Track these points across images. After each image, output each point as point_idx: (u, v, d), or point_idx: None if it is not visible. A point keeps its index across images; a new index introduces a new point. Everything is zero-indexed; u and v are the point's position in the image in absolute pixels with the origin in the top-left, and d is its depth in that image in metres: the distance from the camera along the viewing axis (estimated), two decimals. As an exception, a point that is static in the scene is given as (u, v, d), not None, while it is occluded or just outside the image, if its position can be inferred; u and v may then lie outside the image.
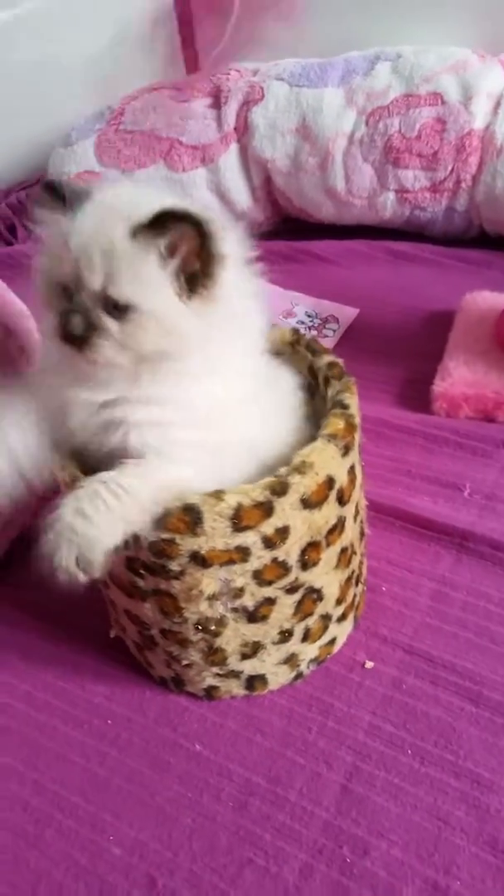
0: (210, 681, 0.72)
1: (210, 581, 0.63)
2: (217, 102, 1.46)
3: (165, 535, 0.60)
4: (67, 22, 1.64)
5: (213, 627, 0.67)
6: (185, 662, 0.71)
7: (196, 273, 0.58)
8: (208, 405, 0.61)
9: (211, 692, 0.74)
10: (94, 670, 0.79)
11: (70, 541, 0.58)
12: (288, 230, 1.57)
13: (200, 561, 0.61)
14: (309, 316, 1.31)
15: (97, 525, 0.58)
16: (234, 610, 0.66)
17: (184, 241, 0.57)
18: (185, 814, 0.67)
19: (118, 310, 0.58)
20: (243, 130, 1.43)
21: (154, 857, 0.65)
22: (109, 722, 0.75)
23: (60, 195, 0.60)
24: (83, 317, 0.58)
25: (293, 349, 0.78)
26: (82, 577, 0.59)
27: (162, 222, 0.56)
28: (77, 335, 0.58)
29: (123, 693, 0.77)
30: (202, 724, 0.73)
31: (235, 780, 0.69)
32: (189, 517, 0.59)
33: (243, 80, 1.47)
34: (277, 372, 0.73)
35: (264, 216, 1.52)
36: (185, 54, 1.70)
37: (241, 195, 1.47)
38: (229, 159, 1.44)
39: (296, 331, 0.79)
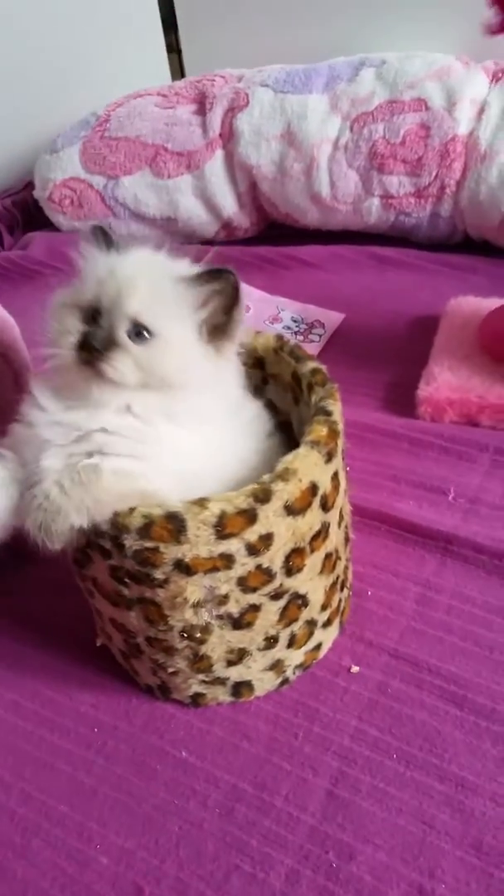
0: (196, 688, 0.73)
1: (194, 589, 0.63)
2: (202, 109, 1.46)
3: (149, 544, 0.60)
4: (51, 28, 1.65)
5: (198, 635, 0.67)
6: (170, 670, 0.71)
7: (219, 325, 0.66)
8: (184, 454, 0.65)
9: (197, 699, 0.74)
10: (80, 679, 0.79)
11: (40, 506, 0.61)
12: (273, 236, 1.58)
13: (184, 569, 0.61)
14: (295, 321, 1.31)
15: (70, 499, 0.60)
16: (219, 617, 0.66)
17: (217, 297, 0.65)
18: (172, 821, 0.67)
19: (140, 336, 0.63)
20: (228, 137, 1.44)
21: (141, 865, 0.65)
22: (96, 730, 0.75)
23: (108, 238, 0.69)
24: (106, 334, 0.63)
25: (277, 355, 0.79)
26: (43, 544, 0.62)
27: (207, 276, 0.65)
28: (96, 347, 0.62)
29: (110, 701, 0.77)
30: (188, 731, 0.74)
31: (222, 787, 0.69)
32: (173, 525, 0.59)
33: (228, 87, 1.48)
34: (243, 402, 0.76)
35: (250, 222, 1.53)
36: (171, 60, 1.70)
37: (227, 201, 1.47)
38: (215, 165, 1.44)
39: (280, 337, 0.79)
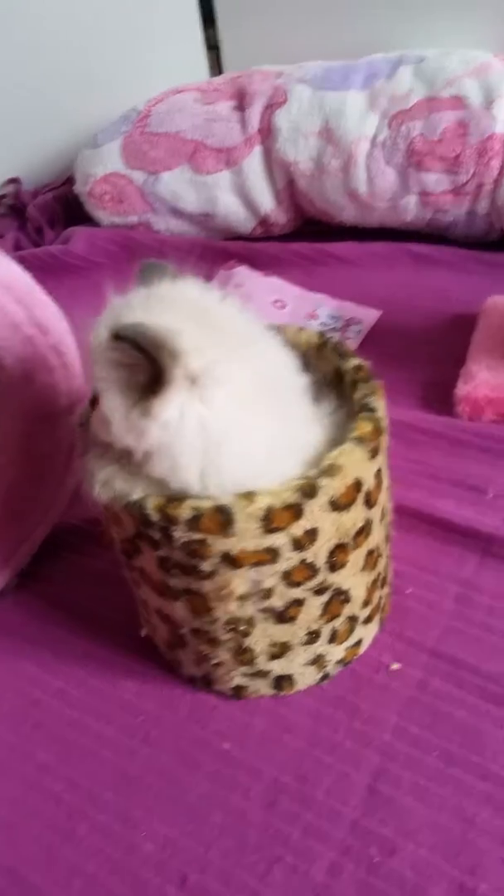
0: (238, 680, 0.73)
1: (240, 581, 0.63)
2: (241, 105, 1.47)
3: (197, 536, 0.60)
4: (91, 23, 1.66)
5: (242, 627, 0.68)
6: (214, 661, 0.72)
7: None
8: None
9: (239, 691, 0.75)
10: (124, 668, 0.81)
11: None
12: (309, 232, 1.58)
13: (231, 561, 0.62)
14: (332, 318, 1.32)
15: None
16: (264, 610, 0.67)
17: (128, 359, 0.59)
18: (215, 811, 0.68)
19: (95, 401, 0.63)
20: (267, 133, 1.44)
21: (185, 853, 0.66)
22: (140, 719, 0.76)
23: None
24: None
25: (319, 352, 0.79)
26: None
27: (118, 338, 0.58)
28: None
29: (153, 690, 0.78)
30: (231, 722, 0.74)
31: (264, 779, 0.70)
32: (221, 518, 0.60)
33: (267, 83, 1.48)
34: None
35: (286, 218, 1.53)
36: (209, 56, 1.71)
37: (265, 197, 1.48)
38: (253, 162, 1.45)
39: (322, 334, 0.80)
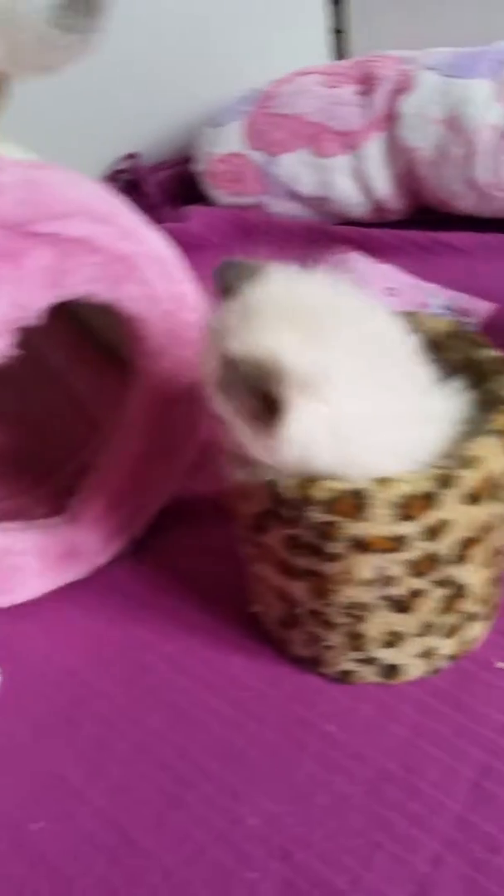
0: (348, 665, 0.74)
1: (365, 567, 0.63)
2: (366, 89, 1.45)
3: (331, 517, 0.61)
4: (213, 2, 1.66)
5: (360, 613, 0.68)
6: (326, 644, 0.72)
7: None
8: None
9: (346, 676, 0.75)
10: (231, 642, 0.82)
11: None
12: (423, 221, 1.55)
13: (361, 546, 0.62)
14: (445, 309, 1.29)
15: None
16: (384, 598, 0.67)
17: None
18: (320, 792, 0.69)
19: None
20: (390, 119, 1.42)
21: (289, 830, 0.67)
22: (247, 694, 0.77)
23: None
24: None
25: (450, 340, 0.78)
26: None
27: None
28: None
29: (260, 667, 0.79)
30: (336, 706, 0.75)
31: (369, 765, 0.70)
32: (357, 501, 0.60)
33: (393, 69, 1.46)
34: None
35: (401, 205, 1.51)
36: (334, 38, 1.70)
37: (382, 183, 1.46)
38: (374, 147, 1.43)
39: (456, 321, 0.78)
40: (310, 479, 0.61)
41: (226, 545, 0.92)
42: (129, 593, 0.90)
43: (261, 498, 0.65)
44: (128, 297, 0.77)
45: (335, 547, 0.63)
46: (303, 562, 0.66)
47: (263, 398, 0.58)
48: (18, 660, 0.84)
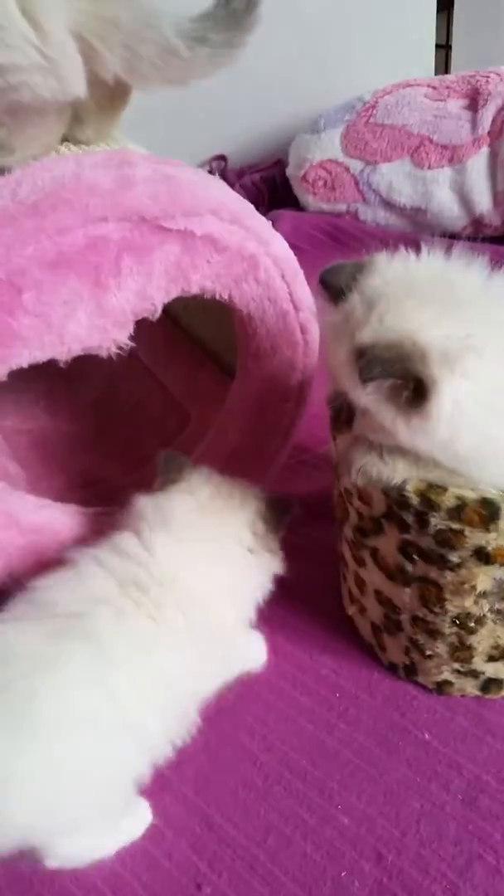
0: (447, 675, 0.73)
1: (485, 578, 0.63)
2: (473, 105, 1.45)
3: (456, 526, 0.60)
4: (321, 9, 1.67)
5: (471, 624, 0.67)
6: (427, 653, 0.72)
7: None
8: None
9: (443, 686, 0.75)
10: (322, 643, 0.82)
11: None
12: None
13: (483, 557, 0.61)
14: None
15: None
16: (497, 611, 0.66)
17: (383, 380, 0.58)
18: (413, 797, 0.69)
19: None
20: (497, 135, 1.41)
21: (381, 832, 0.67)
22: (338, 695, 0.77)
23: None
24: None
25: None
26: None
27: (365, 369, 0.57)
28: None
29: (351, 670, 0.79)
30: (431, 714, 0.74)
31: (465, 775, 0.70)
32: (486, 511, 0.59)
33: (502, 85, 1.45)
34: None
35: (501, 220, 1.50)
36: (439, 52, 1.69)
37: (483, 197, 1.45)
38: (478, 162, 1.42)
39: None
40: (436, 485, 0.61)
41: (316, 545, 0.92)
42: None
43: (379, 501, 0.65)
44: (247, 295, 0.78)
45: (455, 556, 0.62)
46: (416, 568, 0.66)
47: (407, 381, 0.57)
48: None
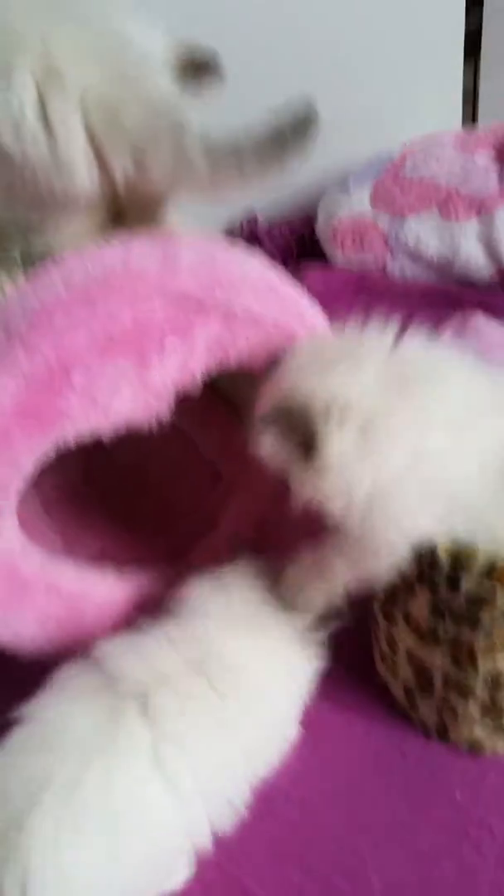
0: (478, 734, 0.74)
1: (517, 639, 0.65)
2: (501, 156, 1.48)
3: (488, 586, 0.62)
4: (344, 65, 1.72)
5: (502, 683, 0.69)
6: (459, 713, 0.73)
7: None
8: None
9: (475, 745, 0.75)
10: (352, 699, 0.82)
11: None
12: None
13: (515, 617, 0.63)
14: None
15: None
16: (529, 671, 0.68)
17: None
18: (445, 860, 0.69)
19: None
20: (524, 187, 1.44)
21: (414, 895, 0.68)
22: (369, 755, 0.78)
23: None
24: None
25: None
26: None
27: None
28: None
29: (381, 728, 0.79)
30: (463, 775, 0.75)
31: (497, 837, 0.70)
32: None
33: (530, 137, 1.48)
34: None
35: (527, 271, 1.52)
36: (465, 97, 1.73)
37: (511, 250, 1.48)
38: (506, 214, 1.45)
39: None
40: (467, 545, 0.63)
41: (348, 605, 0.94)
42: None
43: (410, 562, 0.67)
44: (282, 367, 0.81)
45: (487, 616, 0.63)
46: (447, 629, 0.67)
47: (302, 434, 0.64)
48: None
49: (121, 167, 0.74)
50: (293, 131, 0.76)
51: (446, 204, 1.48)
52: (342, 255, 1.59)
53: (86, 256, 0.71)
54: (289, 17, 1.60)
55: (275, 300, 0.77)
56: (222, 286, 0.73)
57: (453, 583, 0.64)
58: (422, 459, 0.62)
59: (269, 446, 0.67)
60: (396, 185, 1.52)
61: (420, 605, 0.68)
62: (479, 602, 0.63)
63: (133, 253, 0.71)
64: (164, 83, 0.81)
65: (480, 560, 0.62)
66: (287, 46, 1.60)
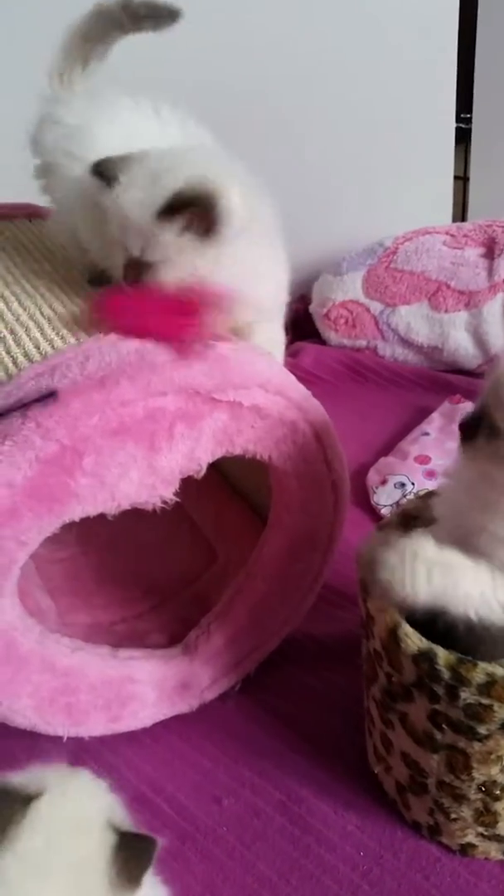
0: (470, 838, 0.74)
1: (512, 750, 0.65)
2: (490, 253, 1.54)
3: (486, 701, 0.63)
4: (343, 160, 1.79)
5: (496, 792, 0.68)
6: (452, 816, 0.73)
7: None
8: None
9: (467, 849, 0.75)
10: (346, 797, 0.82)
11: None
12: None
13: (511, 731, 0.63)
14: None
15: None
16: (523, 781, 0.68)
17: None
18: None
19: None
20: (511, 282, 1.50)
21: None
22: (361, 854, 0.77)
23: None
24: None
25: None
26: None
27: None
28: None
29: (375, 828, 0.79)
30: (455, 879, 0.74)
31: None
32: (514, 688, 0.62)
33: (515, 234, 1.55)
34: None
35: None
36: (456, 183, 1.81)
37: (498, 339, 1.52)
38: (494, 307, 1.50)
39: None
40: (465, 660, 0.64)
41: (336, 690, 0.93)
42: (235, 732, 0.91)
43: (409, 670, 0.67)
44: (285, 455, 0.83)
45: (485, 728, 0.64)
46: (444, 737, 0.68)
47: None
48: (126, 789, 0.79)
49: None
50: None
51: (436, 296, 1.53)
52: (335, 336, 1.64)
53: (102, 344, 0.73)
54: (287, 112, 1.67)
55: (280, 396, 0.81)
56: (232, 382, 0.76)
57: (452, 694, 0.64)
58: None
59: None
60: (388, 274, 1.58)
61: (418, 711, 0.69)
62: (476, 715, 0.64)
63: (147, 344, 0.74)
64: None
65: (480, 675, 0.63)
66: (287, 141, 1.66)
